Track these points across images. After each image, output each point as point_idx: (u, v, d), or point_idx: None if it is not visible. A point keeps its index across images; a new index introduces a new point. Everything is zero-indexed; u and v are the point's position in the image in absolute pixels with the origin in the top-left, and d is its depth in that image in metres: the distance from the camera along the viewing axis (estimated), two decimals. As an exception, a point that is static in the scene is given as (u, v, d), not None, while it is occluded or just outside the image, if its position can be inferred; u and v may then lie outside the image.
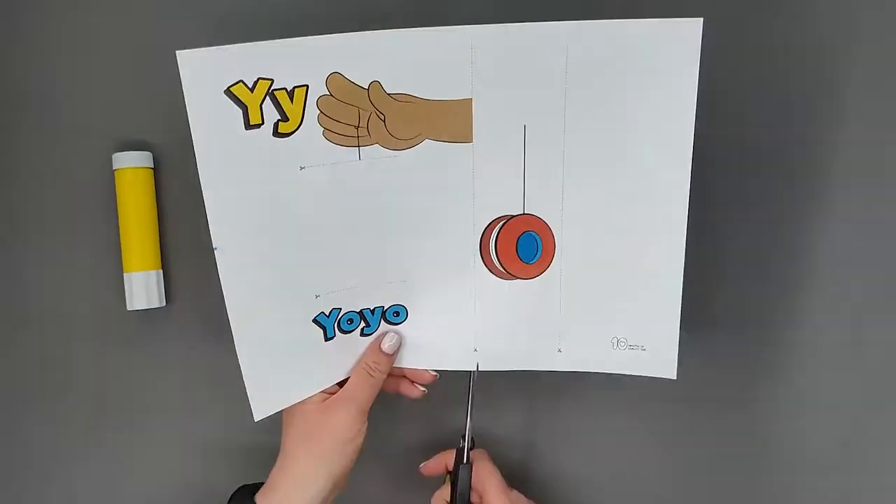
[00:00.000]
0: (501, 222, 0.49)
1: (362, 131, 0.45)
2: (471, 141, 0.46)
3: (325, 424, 0.48)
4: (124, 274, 0.55)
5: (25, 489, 0.55)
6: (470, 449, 0.52)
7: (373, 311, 0.51)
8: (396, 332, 0.51)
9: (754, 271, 0.61)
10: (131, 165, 0.54)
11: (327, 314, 0.49)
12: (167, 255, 0.56)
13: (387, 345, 0.51)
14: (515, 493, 0.53)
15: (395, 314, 0.51)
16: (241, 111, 0.41)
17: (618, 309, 0.52)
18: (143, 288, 0.54)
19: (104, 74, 0.55)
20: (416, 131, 0.46)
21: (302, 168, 0.44)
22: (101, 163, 0.55)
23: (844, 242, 0.61)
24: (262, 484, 0.49)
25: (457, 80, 0.44)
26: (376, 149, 0.45)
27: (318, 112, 0.43)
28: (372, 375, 0.50)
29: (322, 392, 0.50)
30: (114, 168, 0.54)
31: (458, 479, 0.52)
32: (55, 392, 0.55)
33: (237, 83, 0.41)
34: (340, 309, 0.50)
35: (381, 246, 0.49)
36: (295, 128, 0.43)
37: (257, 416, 0.48)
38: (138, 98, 0.55)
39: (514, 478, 0.59)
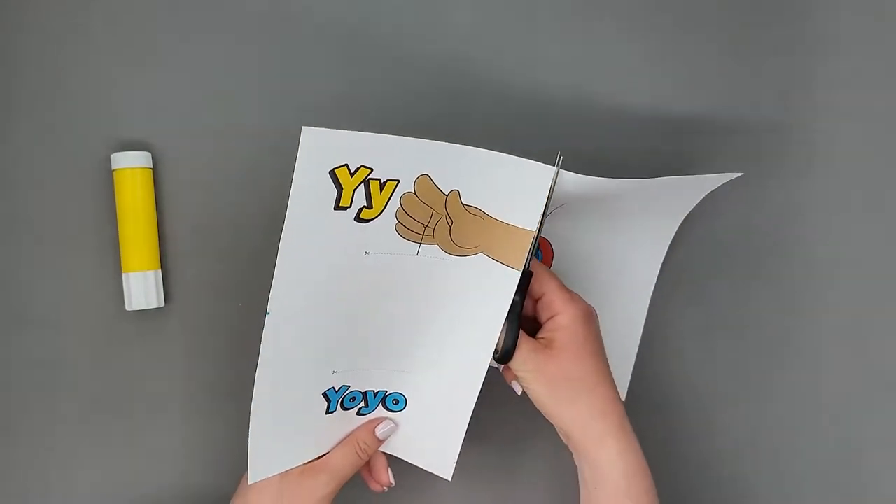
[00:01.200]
0: None
1: (428, 231, 0.46)
2: (519, 269, 0.47)
3: (302, 488, 0.50)
4: (123, 274, 0.54)
5: (25, 489, 0.55)
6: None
7: (375, 394, 0.52)
8: (393, 421, 0.53)
9: (754, 271, 0.61)
10: (130, 165, 0.54)
11: (336, 389, 0.50)
12: (166, 255, 0.56)
13: (381, 431, 0.53)
14: (577, 294, 0.50)
15: (395, 402, 0.53)
16: (336, 192, 0.42)
17: None
18: (141, 288, 0.54)
19: (104, 74, 0.55)
20: (475, 243, 0.47)
21: (367, 253, 0.45)
22: (99, 163, 0.55)
23: (845, 242, 0.61)
24: None
25: (526, 211, 0.46)
26: (435, 249, 0.47)
27: (399, 206, 0.44)
28: (359, 455, 0.52)
29: None
30: (112, 168, 0.54)
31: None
32: (54, 392, 0.55)
33: (342, 166, 0.42)
34: (349, 386, 0.51)
35: (409, 337, 0.50)
36: (375, 216, 0.44)
37: (252, 480, 0.49)
38: (138, 98, 0.55)
39: (512, 473, 0.59)
